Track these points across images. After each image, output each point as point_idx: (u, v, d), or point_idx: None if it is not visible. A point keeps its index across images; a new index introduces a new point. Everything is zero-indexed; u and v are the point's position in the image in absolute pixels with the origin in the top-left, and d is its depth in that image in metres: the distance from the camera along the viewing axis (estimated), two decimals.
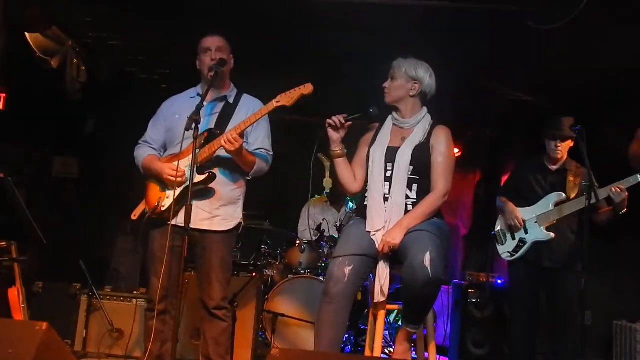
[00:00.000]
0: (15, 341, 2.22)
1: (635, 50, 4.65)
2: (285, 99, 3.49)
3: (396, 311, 5.67)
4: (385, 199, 3.49)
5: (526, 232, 4.67)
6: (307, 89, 3.48)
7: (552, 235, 4.56)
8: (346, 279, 3.30)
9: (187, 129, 3.31)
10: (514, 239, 4.74)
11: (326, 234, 5.83)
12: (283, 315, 5.16)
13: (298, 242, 5.70)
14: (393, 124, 3.68)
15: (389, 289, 3.45)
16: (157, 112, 3.94)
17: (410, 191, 3.49)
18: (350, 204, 6.60)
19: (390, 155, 3.55)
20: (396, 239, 3.33)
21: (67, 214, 6.47)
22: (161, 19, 5.13)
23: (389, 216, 3.45)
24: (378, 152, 3.58)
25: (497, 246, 4.87)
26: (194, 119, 3.31)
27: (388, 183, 3.51)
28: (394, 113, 3.70)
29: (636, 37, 4.45)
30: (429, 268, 3.13)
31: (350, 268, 3.33)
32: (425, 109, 3.68)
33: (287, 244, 5.81)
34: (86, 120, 6.61)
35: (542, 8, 4.12)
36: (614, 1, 3.67)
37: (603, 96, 5.55)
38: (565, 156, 4.74)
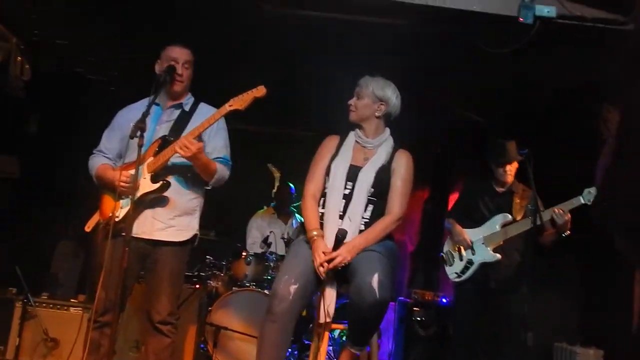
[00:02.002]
0: None
1: (575, 71, 4.75)
2: (238, 102, 3.41)
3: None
4: (340, 217, 3.45)
5: (473, 253, 4.72)
6: (260, 91, 3.41)
7: (499, 256, 4.63)
8: (291, 297, 3.23)
9: (131, 137, 3.25)
10: (461, 259, 4.79)
11: (273, 247, 5.75)
12: (226, 328, 5.05)
13: (244, 254, 5.61)
14: (356, 141, 3.65)
15: (335, 305, 3.40)
16: (112, 122, 3.83)
17: (365, 211, 3.47)
18: (298, 216, 6.58)
19: (352, 173, 3.51)
20: (348, 256, 3.29)
21: (4, 215, 6.23)
22: (113, 20, 4.99)
23: (342, 235, 3.38)
24: (340, 168, 3.54)
25: (445, 267, 4.91)
26: (139, 126, 3.25)
27: (345, 201, 3.47)
28: (357, 130, 3.67)
29: (577, 59, 4.54)
30: (376, 290, 3.10)
31: (295, 286, 3.25)
32: (388, 131, 3.68)
33: (233, 255, 5.70)
34: (29, 119, 6.39)
35: (493, 32, 4.14)
36: (557, 26, 3.71)
37: (546, 119, 5.63)
38: (510, 179, 4.82)
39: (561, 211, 4.37)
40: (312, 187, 3.61)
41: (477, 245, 4.70)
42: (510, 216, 4.69)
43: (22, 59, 5.27)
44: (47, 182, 6.37)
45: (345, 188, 3.49)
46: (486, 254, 4.66)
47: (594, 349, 6.13)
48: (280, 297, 3.24)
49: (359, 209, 3.45)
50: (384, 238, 3.46)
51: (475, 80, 5.35)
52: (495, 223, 4.70)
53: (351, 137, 3.67)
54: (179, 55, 3.68)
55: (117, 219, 3.49)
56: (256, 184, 7.07)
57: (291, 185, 6.77)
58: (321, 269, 3.27)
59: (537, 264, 4.66)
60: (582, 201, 4.32)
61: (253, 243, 6.38)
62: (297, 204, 6.97)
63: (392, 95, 3.61)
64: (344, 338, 5.07)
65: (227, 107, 3.43)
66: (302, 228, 3.61)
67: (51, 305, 4.95)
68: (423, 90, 5.43)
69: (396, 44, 4.71)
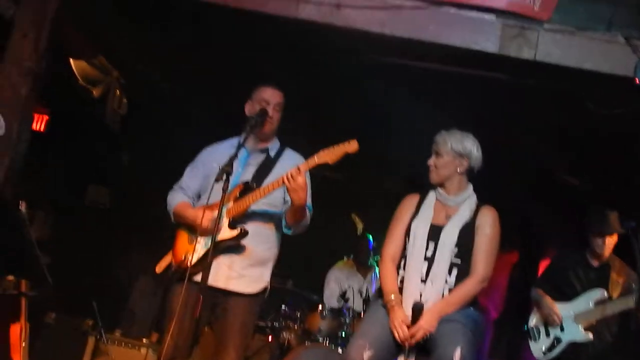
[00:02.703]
0: None
1: None
2: (328, 155, 3.25)
3: None
4: (422, 281, 3.27)
5: (562, 330, 4.42)
6: (352, 146, 3.23)
7: (591, 336, 4.31)
8: None
9: (217, 180, 3.14)
10: (548, 335, 4.49)
11: (350, 302, 5.55)
12: None
13: (320, 307, 5.42)
14: (437, 199, 3.47)
15: None
16: (196, 159, 3.76)
17: (450, 275, 3.28)
18: (377, 270, 6.37)
19: (434, 233, 3.34)
20: (432, 325, 3.11)
21: (93, 245, 6.34)
22: (210, 56, 5.03)
23: (424, 300, 3.21)
24: (421, 228, 3.36)
25: (530, 342, 4.61)
26: (225, 169, 3.13)
27: (427, 263, 3.29)
28: (438, 188, 3.49)
29: None
30: None
31: (369, 353, 3.08)
32: (471, 187, 3.50)
33: (309, 307, 5.53)
34: (122, 150, 6.53)
35: (601, 92, 3.91)
36: None
37: None
38: (608, 253, 4.53)
39: None
40: (391, 249, 3.45)
41: (567, 322, 4.40)
42: (606, 293, 4.37)
43: (120, 92, 5.41)
44: (136, 215, 6.45)
45: (427, 249, 3.32)
46: (577, 333, 4.34)
47: None
48: None
49: (442, 272, 3.27)
50: (468, 304, 3.27)
51: (578, 141, 5.11)
52: (589, 299, 4.39)
53: (432, 194, 3.50)
54: (270, 97, 3.58)
55: (189, 264, 3.35)
56: (338, 233, 6.91)
57: (369, 236, 6.58)
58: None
59: (630, 347, 4.34)
60: None
61: (331, 295, 6.17)
62: (377, 257, 6.78)
63: (472, 147, 3.42)
64: None
65: (315, 160, 3.28)
66: (381, 291, 3.44)
67: (123, 344, 4.94)
68: (520, 148, 5.22)
69: (495, 98, 4.57)
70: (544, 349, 4.46)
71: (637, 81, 3.34)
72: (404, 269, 3.35)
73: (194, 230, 3.43)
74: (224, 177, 3.11)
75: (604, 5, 3.61)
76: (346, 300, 5.50)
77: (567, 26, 3.61)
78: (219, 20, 4.15)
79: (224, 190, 3.11)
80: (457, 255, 3.29)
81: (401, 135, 5.37)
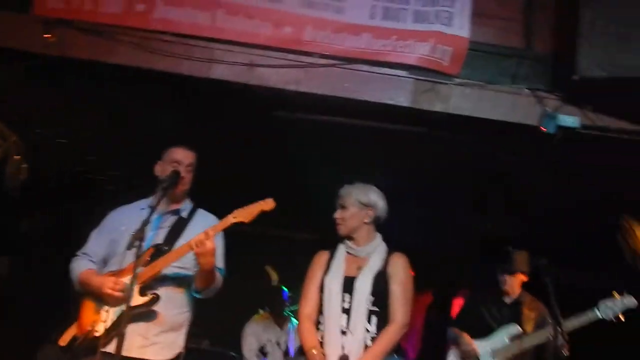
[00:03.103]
0: None
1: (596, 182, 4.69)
2: (244, 214, 3.24)
3: None
4: (343, 332, 3.28)
5: None
6: (268, 204, 3.25)
7: None
8: None
9: (128, 248, 3.00)
10: None
11: (269, 355, 5.48)
12: None
13: None
14: (347, 252, 3.52)
15: None
16: (102, 223, 3.60)
17: (370, 324, 3.30)
18: (294, 321, 6.33)
19: (348, 285, 3.36)
20: None
21: None
22: (113, 118, 4.92)
23: (347, 351, 3.22)
24: (334, 283, 3.39)
25: None
26: (137, 236, 3.00)
27: (346, 315, 3.30)
28: (346, 241, 3.54)
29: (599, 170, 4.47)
30: None
31: None
32: (379, 236, 3.57)
33: None
34: (24, 218, 6.21)
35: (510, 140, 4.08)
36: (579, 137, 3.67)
37: (560, 228, 5.54)
38: (518, 289, 4.70)
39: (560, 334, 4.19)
40: (307, 308, 3.46)
41: (484, 358, 4.47)
42: (520, 328, 4.50)
43: (20, 157, 5.15)
44: (37, 283, 6.11)
45: (344, 301, 3.33)
46: None
47: None
48: None
49: (361, 322, 3.29)
50: (393, 351, 3.31)
51: (487, 187, 5.30)
52: (505, 335, 4.50)
53: (341, 249, 3.55)
54: (182, 157, 3.53)
55: (96, 334, 3.21)
56: (251, 288, 6.81)
57: (284, 288, 6.54)
58: None
59: None
60: (599, 315, 4.15)
61: (249, 350, 6.06)
62: (293, 308, 6.73)
63: (377, 198, 3.52)
64: None
65: (231, 219, 3.25)
66: (302, 350, 3.42)
67: None
68: (432, 195, 5.35)
69: (408, 150, 4.67)
70: None
71: (543, 129, 3.52)
72: (323, 324, 3.35)
73: (100, 299, 3.29)
74: (137, 243, 2.99)
75: (509, 60, 3.80)
76: (265, 354, 5.44)
77: (476, 80, 3.76)
78: (131, 80, 4.04)
79: (137, 256, 2.99)
80: (374, 304, 3.31)
81: (315, 191, 5.40)
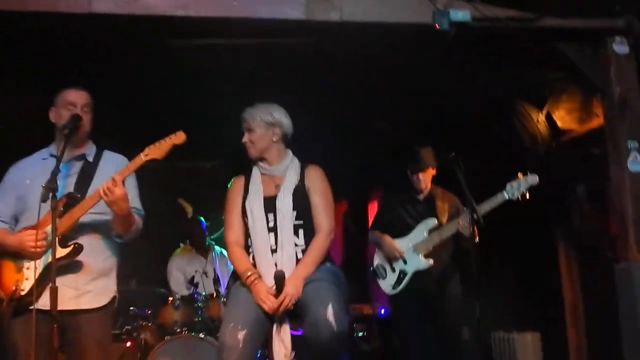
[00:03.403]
0: None
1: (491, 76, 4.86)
2: (156, 151, 3.15)
3: None
4: (273, 251, 3.33)
5: (405, 263, 4.68)
6: (179, 138, 3.18)
7: (432, 262, 4.61)
8: (241, 345, 3.05)
9: (43, 201, 2.90)
10: (394, 271, 4.74)
11: (200, 286, 5.50)
12: None
13: (171, 299, 5.31)
14: (261, 173, 3.54)
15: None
16: (4, 180, 3.42)
17: (298, 237, 3.37)
18: (217, 248, 6.36)
19: (270, 205, 3.40)
20: (298, 290, 3.18)
21: None
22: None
23: (280, 268, 3.25)
24: (256, 205, 3.42)
25: (379, 281, 4.84)
26: (50, 187, 2.89)
27: (273, 233, 3.35)
28: (259, 163, 3.55)
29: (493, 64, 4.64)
30: (333, 323, 2.99)
31: (243, 332, 3.08)
32: (290, 152, 3.60)
33: (159, 302, 5.39)
34: None
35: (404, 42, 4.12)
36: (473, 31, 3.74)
37: (463, 123, 5.72)
38: (429, 184, 4.85)
39: (464, 223, 4.39)
40: (233, 235, 3.48)
41: (408, 254, 4.67)
42: (436, 220, 4.68)
43: None
44: None
45: (268, 221, 3.38)
46: (419, 262, 4.63)
47: (531, 333, 6.30)
48: (230, 347, 3.06)
49: (288, 238, 3.35)
50: (324, 260, 3.38)
51: (392, 91, 5.36)
52: (424, 229, 4.68)
53: (255, 171, 3.56)
54: (77, 99, 3.34)
55: (22, 293, 3.12)
56: (169, 222, 6.75)
57: (201, 218, 6.52)
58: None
59: (464, 261, 4.68)
60: (506, 196, 4.35)
61: (177, 284, 6.07)
62: (214, 236, 6.75)
63: (281, 116, 3.52)
64: None
65: (142, 158, 3.16)
66: (235, 275, 3.47)
67: None
68: (338, 105, 5.38)
69: (304, 63, 4.63)
70: (392, 283, 4.71)
71: (437, 27, 3.56)
72: (252, 247, 3.39)
73: (19, 257, 3.18)
74: (50, 195, 2.89)
75: None
76: (196, 286, 5.44)
77: None
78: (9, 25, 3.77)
79: (53, 208, 2.89)
80: (297, 218, 3.38)
81: (218, 117, 5.32)
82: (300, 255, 3.33)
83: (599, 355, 5.67)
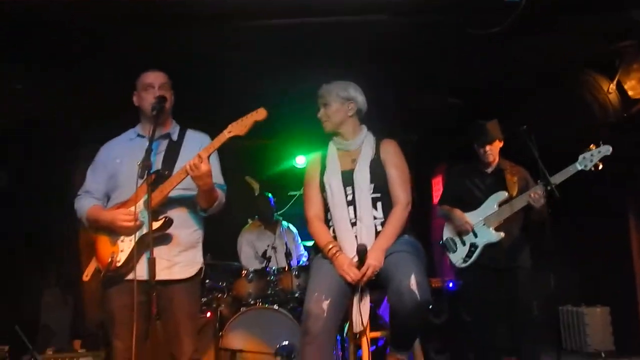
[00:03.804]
0: None
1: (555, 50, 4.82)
2: (238, 127, 3.26)
3: None
4: (353, 224, 3.41)
5: (475, 236, 4.71)
6: (261, 114, 3.27)
7: (502, 234, 4.63)
8: (325, 314, 3.16)
9: (141, 177, 3.09)
10: (464, 244, 4.78)
11: (273, 260, 5.66)
12: (241, 351, 4.92)
13: (244, 272, 5.48)
14: (337, 148, 3.62)
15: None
16: (95, 159, 3.61)
17: (376, 210, 3.44)
18: (285, 223, 6.50)
19: (347, 178, 3.49)
20: (380, 261, 3.25)
21: None
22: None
23: (360, 240, 3.34)
24: (334, 179, 3.51)
25: (449, 254, 4.88)
26: (146, 164, 3.09)
27: (352, 207, 3.44)
28: (334, 139, 3.65)
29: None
30: (416, 292, 3.05)
31: (327, 302, 3.18)
32: (365, 127, 3.67)
33: (233, 275, 5.57)
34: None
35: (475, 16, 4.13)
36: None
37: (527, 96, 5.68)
38: (497, 157, 4.84)
39: (536, 195, 4.38)
40: (312, 210, 3.58)
41: (478, 228, 4.70)
42: (506, 193, 4.68)
43: None
44: (20, 234, 6.09)
45: (347, 195, 3.47)
46: (489, 235, 4.66)
47: (600, 307, 6.25)
48: (315, 316, 3.16)
49: (368, 210, 3.43)
50: (403, 232, 3.45)
51: (458, 65, 5.37)
52: (493, 202, 4.70)
53: (331, 147, 3.66)
54: (154, 79, 3.50)
55: (118, 264, 3.30)
56: (238, 199, 6.90)
57: (269, 195, 6.67)
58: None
59: (534, 235, 4.74)
60: (579, 167, 4.32)
61: (247, 258, 6.28)
62: (282, 211, 6.90)
63: (356, 92, 3.61)
64: None
65: (226, 134, 3.27)
66: (316, 248, 3.57)
67: None
68: (400, 81, 5.40)
69: (375, 39, 4.67)
70: (463, 256, 4.75)
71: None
72: (332, 221, 3.48)
73: (113, 232, 3.35)
74: (146, 172, 3.09)
75: None
76: (268, 260, 5.60)
77: None
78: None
79: (149, 184, 3.10)
80: (375, 191, 3.45)
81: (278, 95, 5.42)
82: (379, 228, 3.41)
83: None
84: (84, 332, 6.20)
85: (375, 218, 3.43)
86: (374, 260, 3.24)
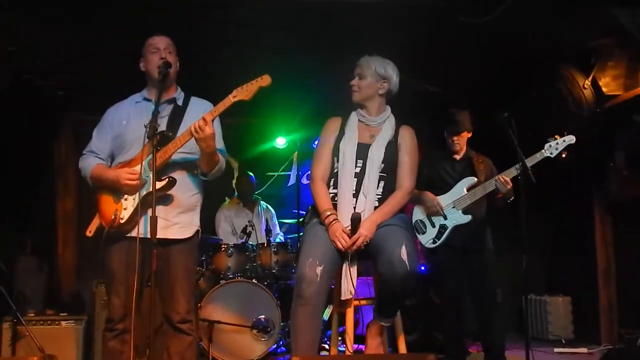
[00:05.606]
0: None
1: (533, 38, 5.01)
2: (243, 92, 3.33)
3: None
4: (354, 195, 3.52)
5: (445, 218, 4.87)
6: (265, 80, 3.33)
7: (470, 216, 4.81)
8: (319, 278, 3.28)
9: (149, 137, 3.20)
10: (433, 226, 4.92)
11: (253, 236, 5.77)
12: (219, 322, 5.03)
13: (224, 246, 5.58)
14: (359, 120, 3.70)
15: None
16: (102, 120, 3.68)
17: (377, 187, 3.55)
18: (263, 203, 6.61)
19: (362, 151, 3.58)
20: (371, 232, 3.38)
21: None
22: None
23: (358, 211, 3.46)
24: (349, 148, 3.59)
25: (418, 235, 4.99)
26: (153, 125, 3.21)
27: (357, 179, 3.54)
28: (359, 110, 3.72)
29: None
30: (406, 262, 3.20)
31: (321, 268, 3.30)
32: (389, 108, 3.74)
33: (212, 249, 5.66)
34: None
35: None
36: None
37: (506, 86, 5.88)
38: (465, 147, 5.05)
39: (504, 179, 4.62)
40: (320, 170, 3.65)
41: (448, 210, 4.86)
42: (475, 179, 4.87)
43: None
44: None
45: (357, 166, 3.56)
46: (458, 217, 4.82)
47: (562, 297, 6.51)
48: (309, 280, 3.27)
49: (372, 186, 3.52)
50: (397, 212, 3.56)
51: (439, 53, 5.50)
52: (462, 187, 4.87)
53: (354, 116, 3.71)
54: (158, 42, 3.58)
55: (122, 221, 3.40)
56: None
57: (250, 174, 6.77)
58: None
59: (496, 219, 4.97)
60: (545, 154, 4.54)
61: (224, 233, 6.40)
62: (259, 191, 6.99)
63: (393, 73, 3.67)
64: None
65: (231, 99, 3.35)
66: (314, 211, 3.64)
67: (41, 322, 4.85)
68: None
69: (358, 23, 4.79)
70: (432, 237, 4.90)
71: None
72: (335, 186, 3.57)
73: (117, 190, 3.44)
74: (154, 133, 3.20)
75: None
76: (248, 235, 5.70)
77: None
78: None
79: (154, 144, 3.21)
80: (383, 171, 3.56)
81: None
82: (376, 204, 3.52)
83: (628, 318, 5.89)
84: (59, 302, 6.22)
85: (376, 195, 3.54)
86: (366, 230, 3.36)
